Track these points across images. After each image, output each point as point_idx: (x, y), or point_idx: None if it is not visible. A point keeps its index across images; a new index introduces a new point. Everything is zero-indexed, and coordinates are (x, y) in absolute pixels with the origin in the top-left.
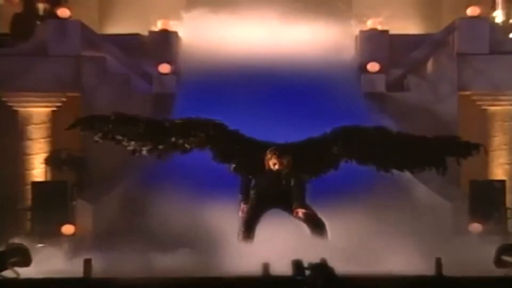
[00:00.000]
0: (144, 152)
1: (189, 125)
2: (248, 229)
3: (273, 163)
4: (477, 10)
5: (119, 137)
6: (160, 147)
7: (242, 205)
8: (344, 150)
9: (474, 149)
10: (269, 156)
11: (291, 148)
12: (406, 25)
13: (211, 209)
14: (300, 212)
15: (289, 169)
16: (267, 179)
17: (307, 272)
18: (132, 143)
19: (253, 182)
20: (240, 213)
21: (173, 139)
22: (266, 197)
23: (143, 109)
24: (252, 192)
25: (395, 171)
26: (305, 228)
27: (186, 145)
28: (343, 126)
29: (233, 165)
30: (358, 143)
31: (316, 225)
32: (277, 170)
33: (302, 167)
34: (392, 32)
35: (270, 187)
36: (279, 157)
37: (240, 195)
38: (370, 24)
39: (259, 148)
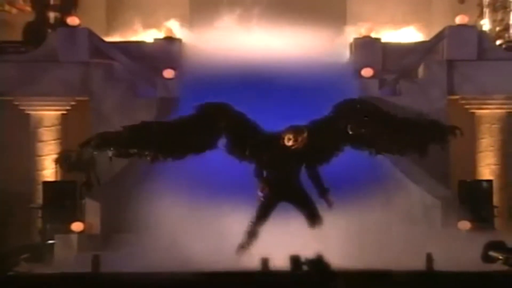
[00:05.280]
0: (161, 158)
1: (198, 117)
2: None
3: (287, 139)
4: (466, 19)
5: (134, 151)
6: (175, 150)
7: (261, 186)
8: (348, 122)
9: (450, 133)
10: (283, 134)
11: (305, 129)
12: (398, 32)
13: (213, 206)
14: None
15: (303, 145)
16: (281, 159)
17: (304, 268)
18: (147, 152)
19: (264, 173)
20: (259, 192)
21: (186, 137)
22: (276, 191)
23: (147, 112)
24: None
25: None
26: (303, 224)
27: (200, 141)
28: (344, 100)
29: (248, 149)
30: (359, 115)
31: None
32: (292, 149)
33: (314, 148)
34: (384, 39)
35: (282, 174)
36: (295, 134)
37: (257, 178)
38: (363, 31)
39: (265, 133)
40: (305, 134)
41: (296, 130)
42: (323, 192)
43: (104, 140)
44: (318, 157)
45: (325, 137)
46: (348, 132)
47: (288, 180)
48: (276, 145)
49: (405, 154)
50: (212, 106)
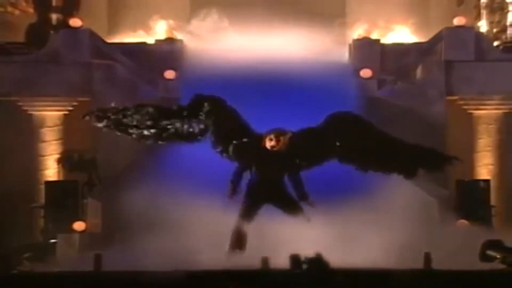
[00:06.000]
0: (149, 141)
1: (191, 107)
2: (239, 240)
3: (269, 139)
4: (463, 20)
5: (127, 128)
6: (164, 135)
7: (230, 193)
8: (336, 134)
9: (447, 161)
10: (265, 135)
11: (289, 132)
12: (396, 34)
13: (214, 205)
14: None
15: (286, 148)
16: (264, 162)
17: (304, 266)
18: (139, 131)
19: (249, 176)
20: (226, 200)
21: (177, 124)
22: (259, 193)
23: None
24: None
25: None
26: (302, 223)
27: (190, 130)
28: (337, 112)
29: (232, 147)
30: (349, 129)
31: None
32: (273, 150)
33: (299, 155)
34: (383, 40)
35: (265, 176)
36: (276, 135)
37: (230, 184)
38: (362, 33)
39: (253, 133)
40: (287, 137)
41: (278, 132)
42: (302, 198)
43: (103, 113)
44: (301, 164)
45: (311, 145)
46: (335, 144)
47: (271, 183)
48: (260, 147)
49: (392, 174)
50: (203, 98)
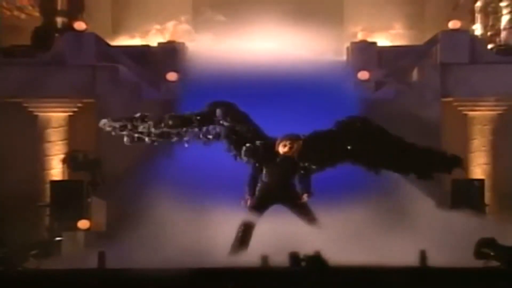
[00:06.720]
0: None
1: (206, 113)
2: (244, 236)
3: (283, 145)
4: (458, 24)
5: (146, 138)
6: (185, 139)
7: (247, 197)
8: (348, 139)
9: (456, 163)
10: (279, 141)
11: (302, 137)
12: (393, 37)
13: (217, 204)
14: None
15: (298, 153)
16: (275, 166)
17: (303, 264)
18: (156, 139)
19: (260, 177)
20: (243, 203)
21: (196, 130)
22: (269, 193)
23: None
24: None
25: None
26: (302, 221)
27: (206, 136)
28: (349, 116)
29: (244, 149)
30: (360, 134)
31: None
32: (286, 155)
33: (311, 158)
34: (380, 42)
35: (276, 178)
36: (291, 142)
37: (246, 187)
38: (360, 35)
39: (265, 137)
40: (301, 142)
41: (292, 138)
42: (305, 192)
43: (124, 122)
44: (311, 168)
45: (322, 151)
46: (347, 149)
47: (281, 185)
48: (272, 151)
49: (407, 175)
50: (216, 104)
